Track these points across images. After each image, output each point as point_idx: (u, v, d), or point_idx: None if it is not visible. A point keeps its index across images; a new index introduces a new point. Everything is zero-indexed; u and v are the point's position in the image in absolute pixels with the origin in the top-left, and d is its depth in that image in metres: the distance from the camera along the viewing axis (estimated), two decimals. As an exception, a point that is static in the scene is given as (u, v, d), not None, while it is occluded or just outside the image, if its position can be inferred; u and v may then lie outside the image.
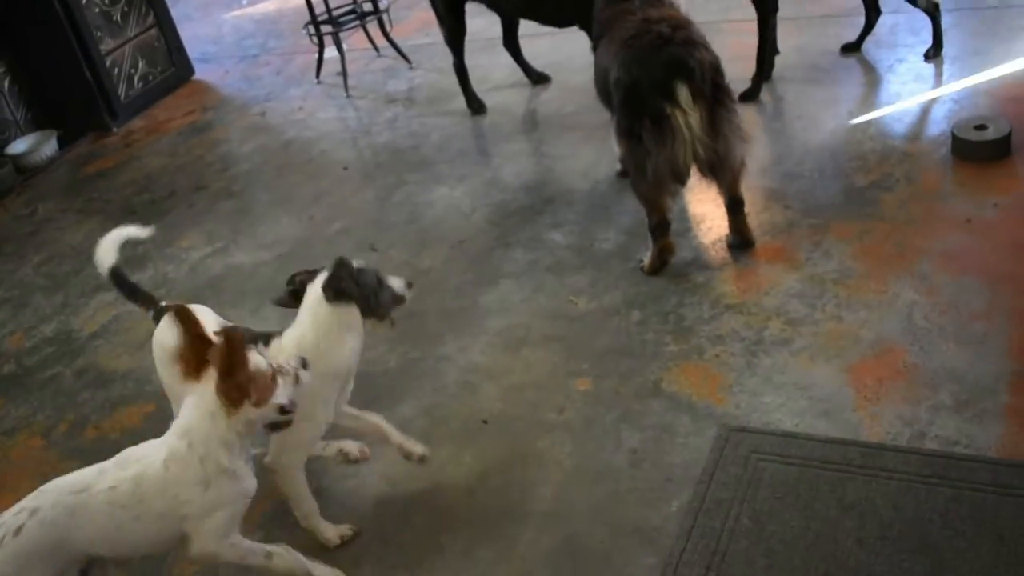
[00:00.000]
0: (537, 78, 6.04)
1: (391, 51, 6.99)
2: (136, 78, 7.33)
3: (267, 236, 5.07)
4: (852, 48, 5.39)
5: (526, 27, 5.77)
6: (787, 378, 3.26)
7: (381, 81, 6.82)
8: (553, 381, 3.53)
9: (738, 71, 4.68)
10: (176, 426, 2.55)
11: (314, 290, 2.81)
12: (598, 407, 3.35)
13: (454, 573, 2.87)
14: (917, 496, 2.69)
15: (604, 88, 4.02)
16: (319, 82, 7.03)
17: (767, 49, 5.13)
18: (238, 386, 2.44)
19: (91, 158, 6.75)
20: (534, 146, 5.36)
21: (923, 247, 3.72)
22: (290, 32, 8.20)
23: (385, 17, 6.86)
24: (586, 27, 4.67)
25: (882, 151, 4.41)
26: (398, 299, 2.92)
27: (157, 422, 2.68)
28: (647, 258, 3.96)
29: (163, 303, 3.16)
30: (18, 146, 6.77)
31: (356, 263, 2.84)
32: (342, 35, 6.81)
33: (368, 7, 6.88)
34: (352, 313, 2.80)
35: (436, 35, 5.84)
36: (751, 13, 5.11)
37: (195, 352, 2.50)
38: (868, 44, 5.38)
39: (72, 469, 3.58)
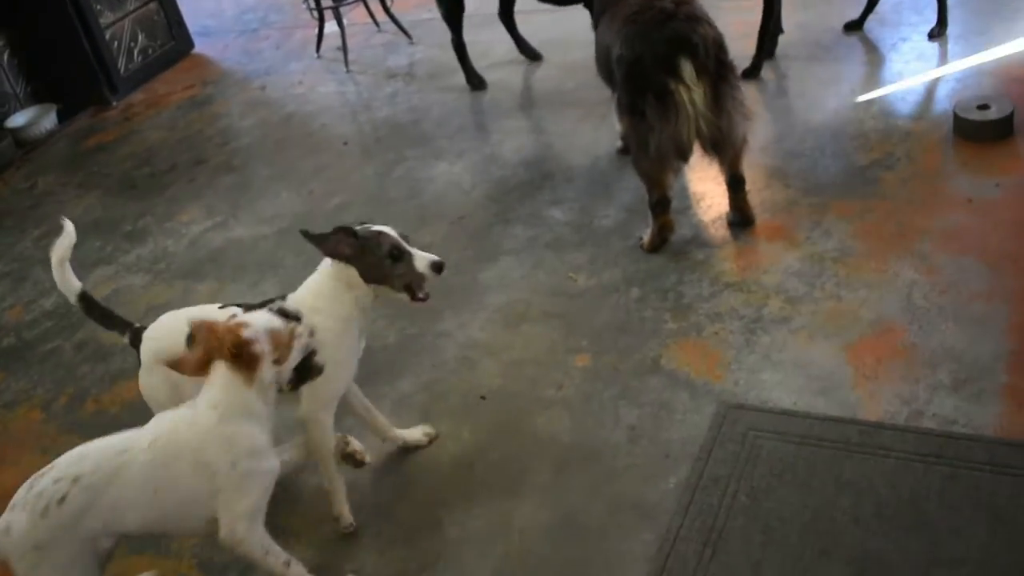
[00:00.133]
0: (532, 55, 6.01)
1: (391, 26, 6.96)
2: (136, 52, 7.30)
3: (267, 210, 5.06)
4: (855, 26, 5.37)
5: (525, 2, 5.74)
6: (786, 356, 3.27)
7: (381, 56, 6.79)
8: (552, 357, 3.53)
9: (741, 48, 4.66)
10: (205, 396, 2.56)
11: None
12: (597, 383, 3.36)
13: (452, 547, 2.88)
14: (914, 474, 2.70)
15: (606, 65, 4.00)
16: (319, 56, 7.00)
17: (770, 27, 5.11)
18: (249, 358, 2.49)
19: (91, 132, 6.73)
20: (534, 122, 5.35)
21: (924, 226, 3.72)
22: (290, 6, 8.16)
23: (386, -9, 6.84)
24: (588, 4, 4.65)
25: (884, 130, 4.40)
26: (415, 275, 2.87)
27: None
28: (647, 235, 3.96)
29: (137, 325, 3.10)
30: (18, 119, 6.74)
31: (378, 228, 2.85)
32: (342, 9, 6.78)
33: (369, -19, 6.85)
34: (352, 273, 2.82)
35: (437, 10, 5.80)
36: (753, -10, 5.09)
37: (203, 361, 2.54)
38: (871, 22, 5.36)
39: (72, 443, 3.59)
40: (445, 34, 5.85)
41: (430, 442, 3.27)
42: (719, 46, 3.63)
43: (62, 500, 2.42)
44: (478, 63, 5.90)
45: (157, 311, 4.36)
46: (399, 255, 2.82)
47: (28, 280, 4.99)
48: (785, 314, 3.45)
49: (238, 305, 2.88)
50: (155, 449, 2.51)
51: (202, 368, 2.53)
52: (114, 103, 7.06)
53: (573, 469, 3.05)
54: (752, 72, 5.08)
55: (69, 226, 3.16)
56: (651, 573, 2.61)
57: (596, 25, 4.26)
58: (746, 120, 3.75)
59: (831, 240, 3.76)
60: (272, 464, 2.61)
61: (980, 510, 2.56)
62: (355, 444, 3.04)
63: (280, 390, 2.70)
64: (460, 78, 5.89)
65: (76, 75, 6.98)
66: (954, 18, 5.09)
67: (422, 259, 2.85)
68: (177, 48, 7.63)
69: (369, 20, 7.15)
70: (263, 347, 2.52)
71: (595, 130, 4.98)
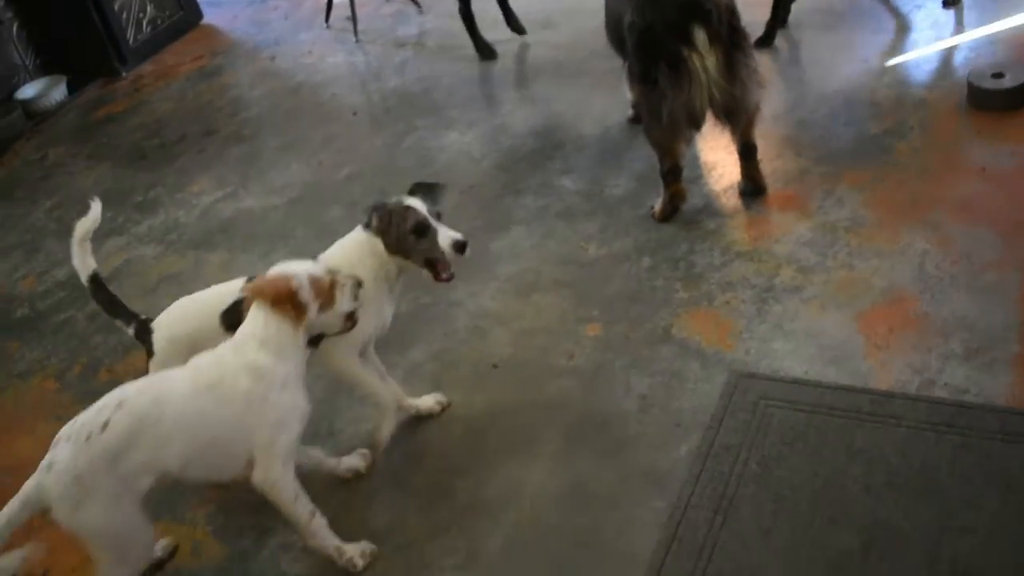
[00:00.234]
0: (518, 29, 5.94)
1: (401, -5, 6.93)
2: (145, 22, 7.27)
3: (277, 181, 5.06)
4: (868, -7, 5.32)
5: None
6: (797, 325, 3.26)
7: (391, 26, 6.76)
8: (563, 327, 3.53)
9: (754, 16, 4.62)
10: (246, 331, 2.62)
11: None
12: (608, 353, 3.36)
13: (464, 515, 2.90)
14: (925, 443, 2.70)
15: (616, 33, 3.98)
16: (328, 26, 6.96)
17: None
18: (292, 307, 2.59)
19: (100, 103, 6.73)
20: (544, 92, 5.32)
21: (937, 196, 3.70)
22: (299, -24, 8.13)
23: (396, -40, 6.80)
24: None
25: (897, 99, 4.37)
26: (437, 252, 2.92)
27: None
28: (658, 204, 3.95)
29: (143, 317, 3.12)
30: (27, 91, 6.74)
31: (408, 203, 2.92)
32: (352, -22, 6.75)
33: (378, -50, 6.81)
34: (377, 243, 2.92)
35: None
36: (767, -43, 5.04)
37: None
38: (885, -11, 5.31)
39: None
40: (455, 3, 5.82)
41: (442, 410, 3.28)
42: (732, 12, 3.60)
43: (105, 425, 2.45)
44: (488, 33, 5.87)
45: (169, 282, 4.41)
46: (423, 231, 2.87)
47: (41, 251, 5.01)
48: (797, 283, 3.44)
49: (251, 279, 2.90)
50: (196, 382, 2.57)
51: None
52: (123, 74, 7.05)
53: (584, 437, 3.06)
54: (766, 40, 5.04)
55: (96, 206, 3.17)
56: (662, 540, 2.63)
57: (607, -7, 4.23)
58: (759, 88, 3.72)
59: (843, 209, 3.75)
60: (305, 405, 2.69)
61: (991, 479, 2.56)
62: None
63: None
64: (470, 48, 5.86)
65: (85, 46, 6.96)
66: (969, -15, 5.05)
67: (445, 237, 2.88)
68: (186, 19, 7.59)
69: (378, -11, 7.12)
70: (307, 294, 2.61)
71: (606, 99, 4.95)
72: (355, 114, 5.61)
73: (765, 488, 2.69)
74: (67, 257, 4.78)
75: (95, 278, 3.14)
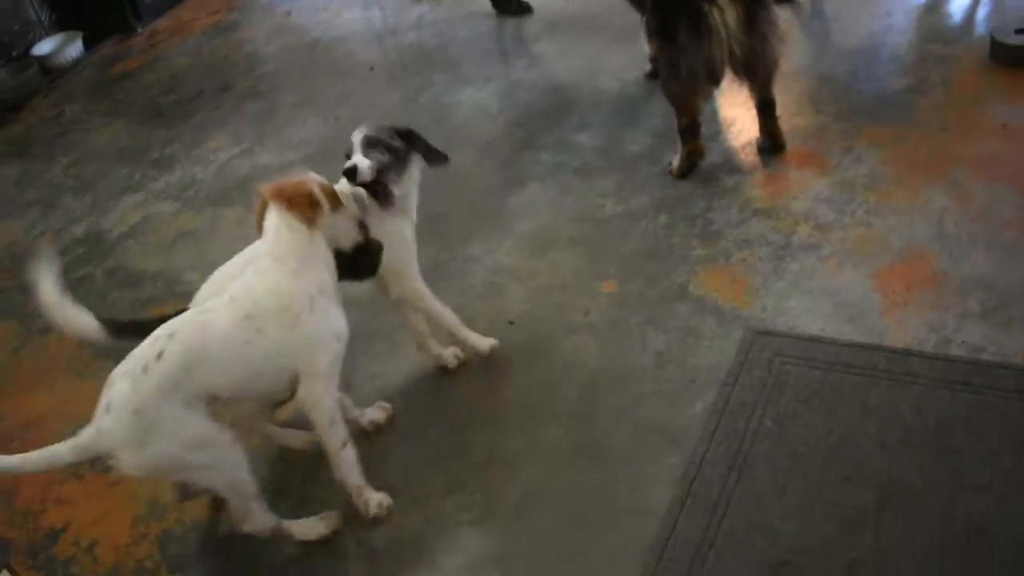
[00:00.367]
0: (519, 8, 5.82)
1: (417, -51, 6.86)
2: (160, -23, 7.25)
3: (293, 137, 5.06)
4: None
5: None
6: (814, 283, 3.25)
7: (407, -20, 6.71)
8: (579, 283, 3.53)
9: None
10: (270, 246, 2.66)
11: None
12: (624, 309, 3.36)
13: (480, 470, 2.92)
14: (941, 401, 2.70)
15: (635, -12, 3.95)
16: (345, -19, 6.93)
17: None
18: (308, 206, 2.64)
19: (116, 59, 6.72)
20: (561, 47, 5.28)
21: (956, 153, 3.67)
22: (315, -71, 8.06)
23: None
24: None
25: (919, 54, 4.32)
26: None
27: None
28: (676, 161, 3.93)
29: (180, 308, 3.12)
30: (43, 47, 6.73)
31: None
32: (368, -68, 6.69)
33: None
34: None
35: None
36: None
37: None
38: (908, -57, 5.23)
39: (106, 368, 3.64)
40: (472, -42, 5.78)
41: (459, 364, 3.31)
42: (752, -34, 3.55)
43: (160, 355, 2.47)
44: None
45: (186, 238, 4.43)
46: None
47: (58, 208, 5.03)
48: (814, 241, 3.43)
49: None
50: (233, 314, 2.59)
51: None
52: (139, 30, 7.04)
53: (600, 394, 3.07)
54: None
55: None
56: (677, 497, 2.64)
57: (625, -54, 4.18)
58: (780, 43, 3.68)
59: (862, 166, 3.72)
60: (341, 326, 2.72)
61: (1007, 437, 2.56)
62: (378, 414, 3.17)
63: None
64: (487, 2, 5.81)
65: (101, 2, 6.94)
66: (993, -62, 4.97)
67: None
68: (201, -27, 7.56)
69: (394, -57, 7.05)
70: (320, 194, 2.68)
71: (623, 54, 4.92)
72: (372, 69, 5.59)
73: (780, 445, 2.70)
74: (85, 214, 4.88)
75: (108, 324, 2.90)
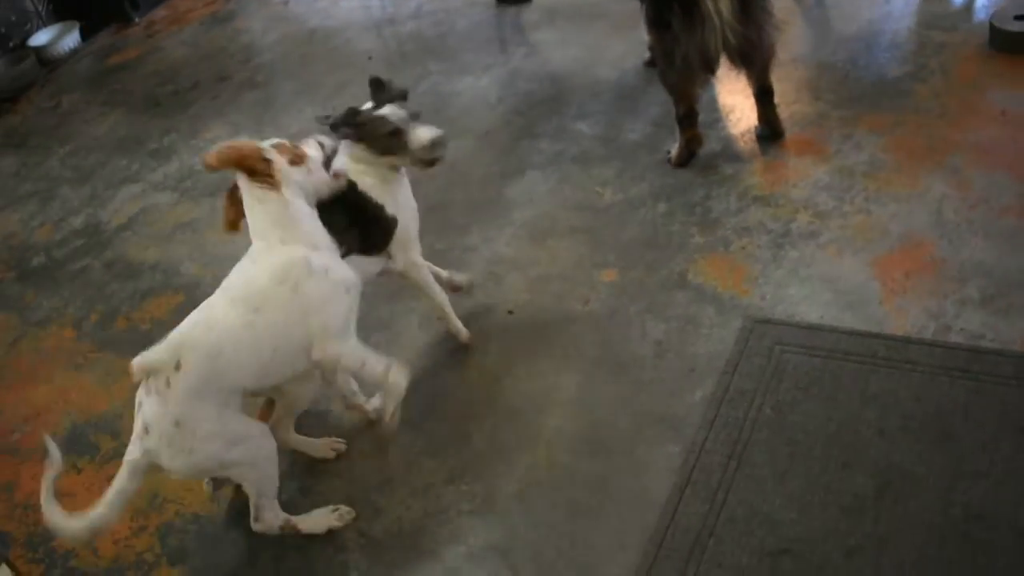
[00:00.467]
0: None
1: (415, -63, 6.84)
2: (157, -33, 7.23)
3: (291, 126, 5.04)
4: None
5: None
6: (813, 271, 3.25)
7: (405, -31, 6.69)
8: (579, 272, 3.53)
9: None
10: (254, 229, 2.64)
11: None
12: (623, 298, 3.36)
13: (480, 459, 2.92)
14: (940, 388, 2.70)
15: (633, -26, 3.93)
16: (342, -30, 6.91)
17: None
18: (259, 161, 2.59)
19: (113, 49, 6.70)
20: (560, 35, 5.26)
21: (956, 140, 3.66)
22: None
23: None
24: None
25: (918, 41, 4.31)
26: (417, 149, 3.01)
27: (186, 313, 2.71)
28: (674, 150, 3.92)
29: None
30: (40, 38, 6.73)
31: (380, 112, 3.03)
32: (365, -79, 6.66)
33: None
34: (360, 149, 3.02)
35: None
36: None
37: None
38: (907, -71, 5.21)
39: (105, 359, 3.69)
40: (469, -54, 5.76)
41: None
42: (748, -47, 3.54)
43: (178, 365, 2.46)
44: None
45: (184, 229, 4.42)
46: (399, 134, 2.99)
47: (56, 199, 5.02)
48: (813, 228, 3.42)
49: None
50: (234, 303, 2.57)
51: (235, 203, 2.66)
52: (136, 20, 7.02)
53: (599, 383, 3.07)
54: None
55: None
56: (676, 485, 2.65)
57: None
58: (776, 31, 3.66)
59: (861, 154, 3.71)
60: (348, 276, 2.70)
61: (1005, 424, 2.56)
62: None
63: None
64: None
65: (97, -8, 6.94)
66: (992, -77, 4.95)
67: (420, 136, 3.00)
68: (198, -37, 7.54)
69: (392, -68, 7.03)
70: (271, 153, 2.64)
71: (622, 42, 4.90)
72: (370, 59, 5.57)
73: (779, 433, 2.70)
74: (83, 205, 4.87)
75: None
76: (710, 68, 3.64)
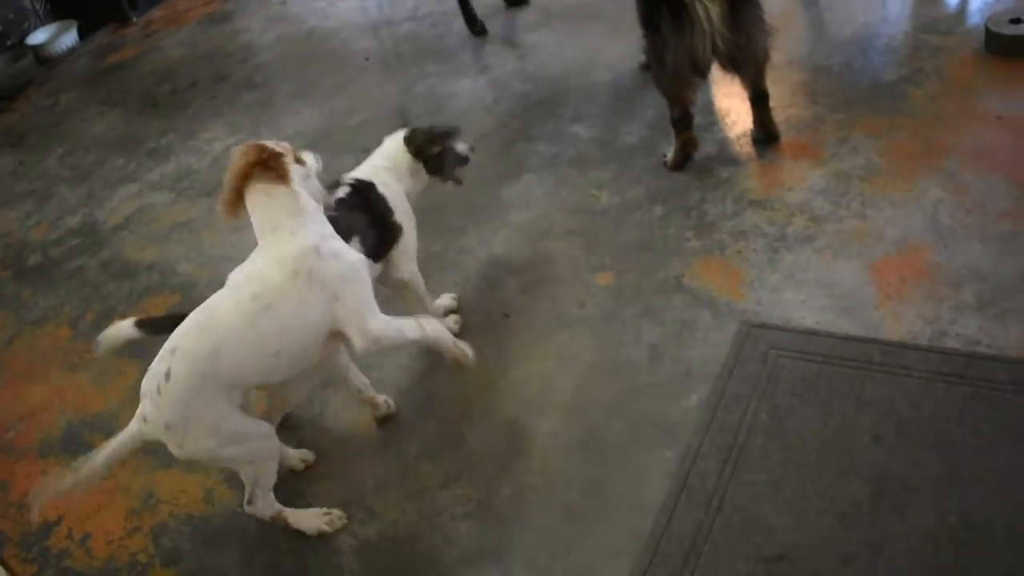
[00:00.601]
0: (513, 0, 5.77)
1: (413, -62, 6.84)
2: (155, -34, 7.22)
3: (289, 127, 5.04)
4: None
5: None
6: (809, 275, 3.25)
7: (403, -31, 6.69)
8: (574, 275, 3.53)
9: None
10: (261, 225, 2.61)
11: (395, 138, 3.30)
12: (619, 301, 3.36)
13: (474, 462, 2.92)
14: (936, 394, 2.70)
15: (629, -23, 3.93)
16: (340, -30, 6.90)
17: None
18: (272, 154, 2.61)
19: (111, 49, 6.70)
20: (557, 37, 5.26)
21: (952, 144, 3.66)
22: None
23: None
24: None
25: (913, 45, 4.31)
26: (462, 160, 3.39)
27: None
28: (670, 153, 3.92)
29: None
30: (38, 36, 6.72)
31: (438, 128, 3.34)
32: (363, -79, 6.66)
33: None
34: (418, 166, 3.28)
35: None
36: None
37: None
38: (904, -68, 5.21)
39: (100, 360, 3.66)
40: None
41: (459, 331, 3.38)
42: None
43: (167, 375, 2.46)
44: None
45: (180, 229, 4.42)
46: (448, 148, 3.33)
47: (53, 198, 5.02)
48: (809, 232, 3.42)
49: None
50: (240, 298, 2.54)
51: (237, 197, 2.61)
52: (134, 19, 7.02)
53: (595, 387, 3.07)
54: None
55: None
56: (672, 490, 2.64)
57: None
58: (766, 36, 3.65)
59: (857, 158, 3.71)
60: (356, 258, 2.69)
61: (1002, 430, 2.56)
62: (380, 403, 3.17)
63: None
64: (482, -8, 5.79)
65: (95, -9, 6.93)
66: (990, -73, 4.95)
67: (461, 145, 3.41)
68: (196, -38, 7.53)
69: (390, -68, 7.03)
70: (280, 147, 2.66)
71: (619, 45, 4.90)
72: (367, 59, 5.57)
73: (775, 438, 2.70)
74: (80, 204, 4.87)
75: (141, 323, 2.94)
76: (700, 72, 3.63)
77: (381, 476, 2.97)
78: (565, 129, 4.39)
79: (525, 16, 5.58)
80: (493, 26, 5.50)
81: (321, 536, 2.82)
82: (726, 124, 4.13)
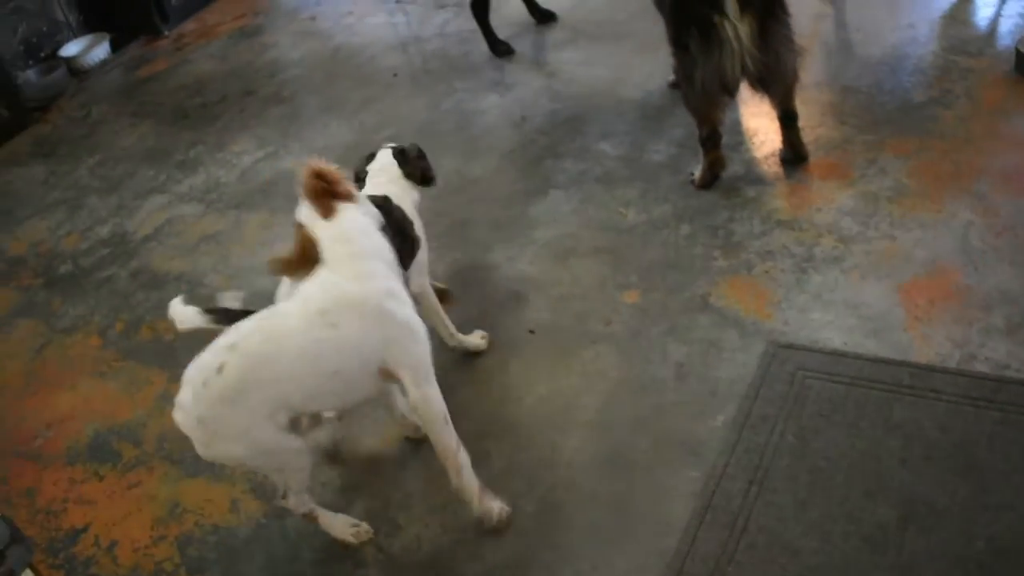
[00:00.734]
0: (541, 17, 5.76)
1: (442, -45, 6.88)
2: (186, -20, 7.29)
3: (316, 141, 5.07)
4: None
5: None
6: (837, 296, 3.24)
7: (431, -14, 6.73)
8: (601, 293, 3.53)
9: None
10: (328, 252, 2.58)
11: (384, 155, 3.35)
12: (645, 320, 3.36)
13: (499, 479, 2.92)
14: (965, 418, 2.69)
15: (658, -5, 3.95)
16: (369, -14, 6.95)
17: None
18: (338, 180, 2.62)
19: (143, 61, 6.76)
20: (585, 55, 5.28)
21: (981, 166, 3.64)
22: (340, -66, 8.09)
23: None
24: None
25: (943, 67, 4.29)
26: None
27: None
28: (698, 171, 3.92)
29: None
30: (71, 48, 6.79)
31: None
32: (393, -62, 6.71)
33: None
34: (410, 181, 3.32)
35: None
36: (814, -80, 4.96)
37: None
38: (934, -46, 5.21)
39: (129, 368, 3.71)
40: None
41: (488, 347, 3.39)
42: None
43: (220, 369, 2.43)
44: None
45: (208, 241, 4.45)
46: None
47: (84, 208, 5.06)
48: (837, 253, 3.42)
49: None
50: (307, 311, 2.51)
51: (306, 252, 2.60)
52: (166, 33, 7.08)
53: (620, 404, 3.07)
54: None
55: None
56: (696, 509, 2.64)
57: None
58: (796, 56, 3.65)
59: (886, 179, 3.70)
60: (412, 314, 2.66)
61: (1030, 454, 2.55)
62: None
63: None
64: (510, 8, 5.79)
65: (128, 4, 6.99)
66: (1021, -50, 4.94)
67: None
68: (227, -24, 7.60)
69: (419, -51, 7.07)
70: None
71: (647, 63, 4.91)
72: (395, 75, 5.60)
73: (801, 460, 2.69)
74: (110, 215, 4.92)
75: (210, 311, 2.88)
76: (729, 92, 3.64)
77: (406, 489, 2.98)
78: (592, 147, 4.39)
79: (553, 34, 5.60)
80: (521, 44, 5.52)
81: (346, 547, 2.83)
82: (754, 144, 4.13)
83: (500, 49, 5.49)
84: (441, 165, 4.49)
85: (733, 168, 3.95)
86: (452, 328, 3.35)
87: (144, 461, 3.37)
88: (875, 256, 3.36)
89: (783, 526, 2.53)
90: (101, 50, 6.82)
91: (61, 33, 6.83)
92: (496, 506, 2.77)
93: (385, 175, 3.27)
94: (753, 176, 3.94)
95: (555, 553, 2.68)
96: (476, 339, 3.39)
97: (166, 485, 3.24)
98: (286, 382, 2.48)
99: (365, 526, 2.86)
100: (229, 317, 2.74)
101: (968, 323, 3.01)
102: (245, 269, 4.18)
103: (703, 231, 3.69)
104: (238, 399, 2.44)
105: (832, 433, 2.74)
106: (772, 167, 3.95)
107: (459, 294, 3.66)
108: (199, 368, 2.48)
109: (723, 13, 3.44)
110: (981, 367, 2.85)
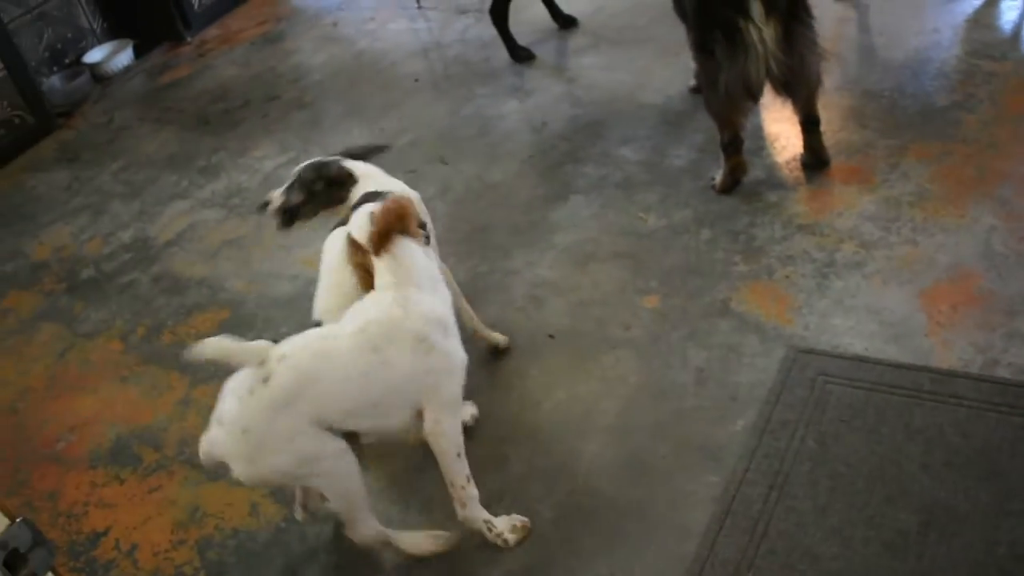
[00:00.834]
0: (564, 23, 5.74)
1: (463, -39, 6.89)
2: (209, -14, 7.34)
3: (338, 147, 5.01)
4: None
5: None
6: (858, 301, 3.22)
7: (453, -8, 6.75)
8: (621, 297, 3.53)
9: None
10: (404, 275, 2.58)
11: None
12: (665, 325, 3.35)
13: (517, 483, 2.92)
14: (987, 424, 2.66)
15: (680, 0, 3.94)
16: (391, -8, 6.97)
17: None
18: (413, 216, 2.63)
19: (166, 67, 6.81)
20: (606, 60, 5.28)
21: (1005, 171, 3.62)
22: (362, -59, 8.12)
23: (458, -75, 6.75)
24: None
25: (966, 71, 4.27)
26: None
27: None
28: (718, 176, 3.91)
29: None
30: (95, 55, 6.85)
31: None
32: (414, -56, 6.73)
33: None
34: None
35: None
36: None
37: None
38: (957, -42, 5.18)
39: (150, 372, 3.73)
40: (517, -30, 5.78)
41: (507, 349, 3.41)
42: (792, -18, 3.52)
43: (267, 379, 2.42)
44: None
45: (230, 246, 4.47)
46: None
47: (107, 213, 5.10)
48: (859, 258, 3.40)
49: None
50: (366, 334, 2.51)
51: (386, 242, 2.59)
52: (188, 39, 7.13)
53: (640, 409, 3.06)
54: None
55: None
56: (716, 515, 2.63)
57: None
58: (820, 60, 3.64)
59: (908, 183, 3.68)
60: (460, 354, 2.65)
61: (1054, 461, 2.52)
62: None
63: None
64: (531, 14, 5.79)
65: (151, 11, 7.03)
66: (1046, -47, 4.90)
67: None
68: (250, -17, 7.64)
69: (440, -45, 7.09)
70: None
71: (668, 67, 4.90)
72: (416, 81, 5.61)
73: (821, 465, 2.68)
74: (132, 220, 4.95)
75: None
76: (753, 96, 3.63)
77: (425, 493, 2.97)
78: (613, 151, 4.39)
79: (574, 39, 5.60)
80: (542, 50, 5.52)
81: (369, 553, 2.82)
82: (775, 148, 4.11)
83: (520, 55, 5.48)
84: (461, 170, 4.53)
85: (754, 173, 3.93)
86: (472, 312, 3.35)
87: (164, 465, 3.38)
88: (897, 261, 3.34)
89: (803, 532, 2.52)
90: (125, 56, 6.87)
91: (85, 39, 6.88)
92: (508, 526, 2.75)
93: (389, 178, 3.25)
94: (774, 181, 3.92)
95: (574, 558, 2.67)
96: (498, 335, 3.40)
97: (186, 489, 3.25)
98: (328, 398, 2.48)
99: (443, 532, 2.80)
100: None
101: (991, 328, 2.98)
102: (266, 274, 4.20)
103: (724, 236, 3.68)
104: (284, 409, 2.42)
105: (853, 438, 2.72)
106: (793, 172, 3.94)
107: (479, 299, 3.66)
108: (243, 379, 2.47)
109: (748, 17, 3.43)
110: (1003, 372, 2.82)
